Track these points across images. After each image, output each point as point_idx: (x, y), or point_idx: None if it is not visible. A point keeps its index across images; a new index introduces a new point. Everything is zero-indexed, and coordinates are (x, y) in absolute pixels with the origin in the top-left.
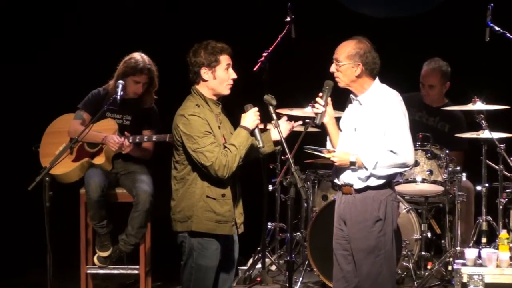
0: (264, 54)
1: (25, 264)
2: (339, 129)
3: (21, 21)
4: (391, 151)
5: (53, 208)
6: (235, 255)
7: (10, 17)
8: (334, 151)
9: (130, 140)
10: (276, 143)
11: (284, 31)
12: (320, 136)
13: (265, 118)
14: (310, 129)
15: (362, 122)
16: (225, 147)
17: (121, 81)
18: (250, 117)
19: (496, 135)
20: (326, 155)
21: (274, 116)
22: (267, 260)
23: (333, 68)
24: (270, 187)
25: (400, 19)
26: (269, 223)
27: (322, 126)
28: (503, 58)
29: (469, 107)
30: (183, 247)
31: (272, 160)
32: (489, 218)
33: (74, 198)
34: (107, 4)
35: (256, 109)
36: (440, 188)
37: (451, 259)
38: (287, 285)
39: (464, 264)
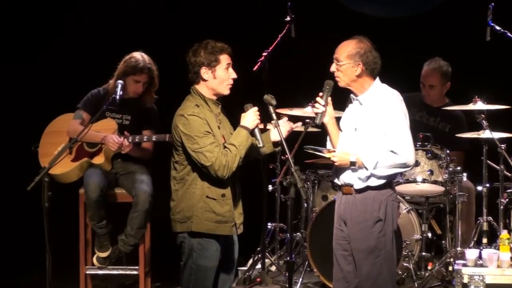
0: (264, 53)
1: (24, 264)
2: (339, 129)
3: (21, 21)
4: (392, 151)
5: (52, 208)
6: (235, 256)
7: (10, 17)
8: (334, 151)
9: (130, 140)
10: (276, 144)
11: (284, 31)
12: (320, 136)
13: (265, 118)
14: (310, 129)
15: (363, 122)
16: (225, 147)
17: (120, 81)
18: (250, 117)
19: (497, 135)
20: (326, 155)
21: (274, 116)
22: (267, 260)
23: (333, 68)
24: (270, 187)
25: (400, 19)
26: (269, 224)
27: (322, 126)
28: (504, 58)
29: (470, 107)
30: (182, 248)
31: (272, 160)
32: (490, 218)
33: (73, 198)
34: (107, 4)
35: (256, 108)
36: (440, 188)
37: (451, 260)
38: (287, 285)
39: (464, 265)
